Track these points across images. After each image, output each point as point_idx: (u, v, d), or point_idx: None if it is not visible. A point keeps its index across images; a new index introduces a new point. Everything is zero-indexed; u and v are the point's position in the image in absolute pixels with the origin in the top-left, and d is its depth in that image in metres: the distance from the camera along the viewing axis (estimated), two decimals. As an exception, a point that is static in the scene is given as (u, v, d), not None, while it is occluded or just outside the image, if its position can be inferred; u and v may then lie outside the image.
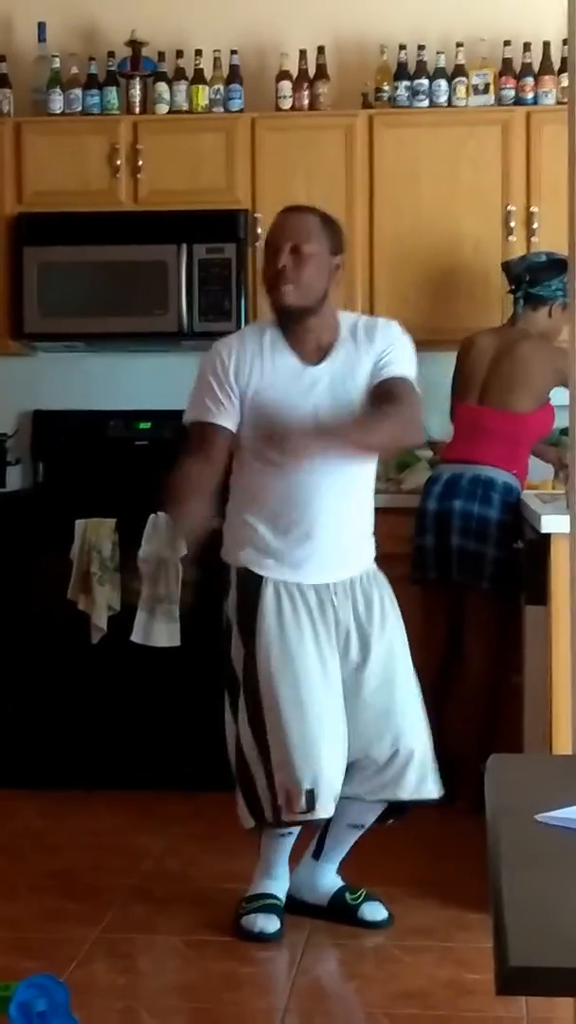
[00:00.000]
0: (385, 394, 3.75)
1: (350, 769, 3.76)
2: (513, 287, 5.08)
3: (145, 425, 5.87)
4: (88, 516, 5.26)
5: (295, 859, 3.98)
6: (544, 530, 3.92)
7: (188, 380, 5.84)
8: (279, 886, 3.91)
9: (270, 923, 3.80)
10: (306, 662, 3.70)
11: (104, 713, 5.30)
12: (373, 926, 3.87)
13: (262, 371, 3.78)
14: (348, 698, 3.76)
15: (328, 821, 3.86)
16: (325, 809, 3.67)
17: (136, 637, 5.19)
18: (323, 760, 3.66)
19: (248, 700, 3.75)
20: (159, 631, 5.19)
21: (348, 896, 3.94)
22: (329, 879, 3.99)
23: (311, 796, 3.64)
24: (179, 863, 4.50)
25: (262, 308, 5.53)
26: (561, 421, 5.28)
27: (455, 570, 4.86)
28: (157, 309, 5.53)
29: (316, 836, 3.98)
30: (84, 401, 5.95)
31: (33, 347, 5.87)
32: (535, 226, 5.44)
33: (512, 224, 5.46)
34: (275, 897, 3.89)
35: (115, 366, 5.97)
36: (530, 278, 4.99)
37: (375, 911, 3.90)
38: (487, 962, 1.43)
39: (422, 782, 3.79)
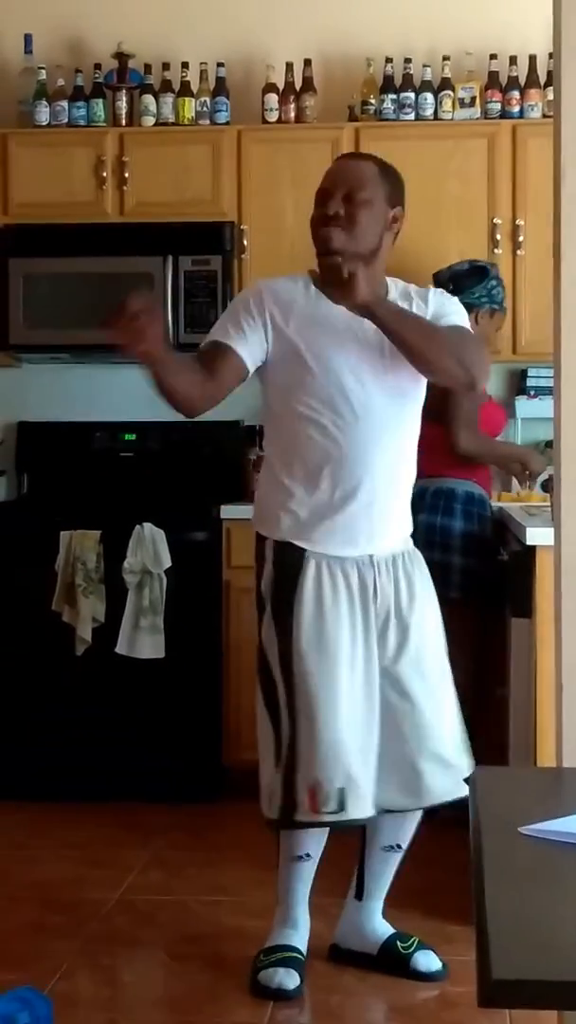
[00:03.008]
0: None
1: (383, 774, 3.48)
2: None
3: (130, 437, 5.87)
4: (73, 528, 5.25)
5: (333, 900, 3.77)
6: (529, 542, 3.92)
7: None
8: (300, 937, 3.63)
9: (290, 979, 3.51)
10: (343, 652, 3.42)
11: (88, 724, 5.29)
12: (427, 978, 3.62)
13: (304, 313, 3.49)
14: (384, 688, 3.49)
15: (363, 853, 3.69)
16: (359, 809, 3.40)
17: (120, 648, 5.18)
18: (354, 758, 3.40)
19: (284, 687, 3.45)
20: (143, 643, 5.19)
21: (399, 944, 3.67)
22: (377, 924, 3.72)
23: (342, 795, 3.37)
24: (162, 875, 4.49)
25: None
26: (546, 433, 5.29)
27: None
28: (143, 321, 5.52)
29: (355, 874, 3.72)
30: (69, 412, 5.94)
31: (18, 358, 5.87)
32: (521, 239, 5.46)
33: (498, 237, 5.48)
34: (296, 950, 3.60)
35: (100, 378, 5.97)
36: (454, 286, 4.95)
37: (429, 961, 3.64)
38: (470, 974, 1.43)
39: (456, 783, 3.49)
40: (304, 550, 3.49)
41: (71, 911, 4.14)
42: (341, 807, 3.39)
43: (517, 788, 2.15)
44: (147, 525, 5.20)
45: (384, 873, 3.73)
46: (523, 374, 5.70)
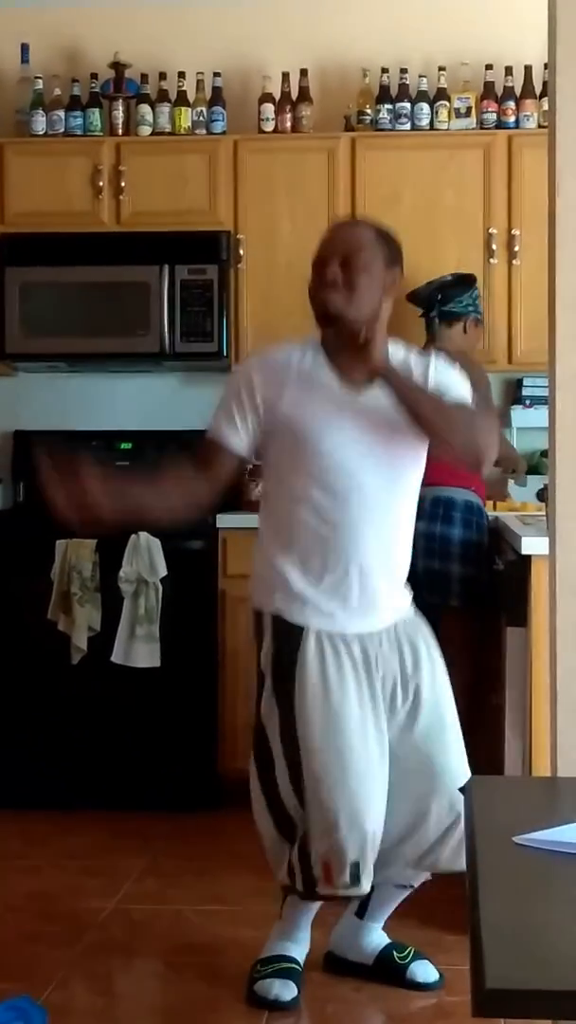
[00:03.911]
0: None
1: (404, 835, 3.47)
2: (424, 310, 5.09)
3: (127, 445, 5.88)
4: (68, 536, 5.25)
5: (332, 910, 3.74)
6: (525, 552, 3.93)
7: (169, 400, 5.91)
8: (299, 950, 3.61)
9: (287, 990, 3.50)
10: (351, 723, 3.34)
11: (84, 733, 5.29)
12: (423, 988, 3.61)
13: (297, 393, 3.42)
14: (398, 757, 3.42)
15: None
16: (369, 883, 3.38)
17: (116, 658, 5.18)
18: (369, 830, 3.33)
19: (287, 762, 3.40)
20: (139, 651, 5.19)
21: (396, 954, 3.66)
22: (374, 936, 3.71)
23: (356, 869, 3.33)
24: (158, 884, 4.49)
25: (244, 330, 5.56)
26: (542, 443, 5.29)
27: (424, 592, 4.86)
28: (139, 330, 5.54)
29: None
30: (65, 421, 5.95)
31: (15, 367, 5.87)
32: (516, 249, 5.47)
33: (494, 247, 5.49)
34: (293, 960, 3.58)
35: (97, 386, 5.98)
36: (441, 296, 5.02)
37: (426, 971, 3.64)
38: (465, 984, 1.43)
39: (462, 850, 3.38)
40: (302, 626, 3.42)
41: (67, 920, 4.14)
42: (355, 882, 3.35)
43: (512, 797, 2.16)
44: (143, 534, 5.20)
45: (390, 904, 3.72)
46: (519, 384, 5.71)
